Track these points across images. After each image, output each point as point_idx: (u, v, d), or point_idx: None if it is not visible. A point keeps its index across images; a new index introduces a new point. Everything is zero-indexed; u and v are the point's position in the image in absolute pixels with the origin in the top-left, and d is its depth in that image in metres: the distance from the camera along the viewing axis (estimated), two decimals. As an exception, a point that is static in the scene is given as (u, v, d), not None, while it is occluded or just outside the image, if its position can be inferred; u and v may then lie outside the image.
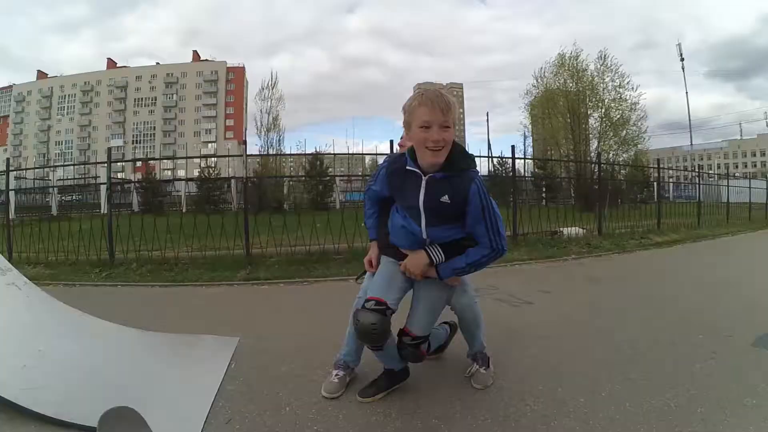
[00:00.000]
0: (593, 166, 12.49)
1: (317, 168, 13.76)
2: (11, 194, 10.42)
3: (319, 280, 4.35)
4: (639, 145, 17.84)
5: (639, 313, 2.96)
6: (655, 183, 9.94)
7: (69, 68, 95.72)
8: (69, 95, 66.56)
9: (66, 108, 66.18)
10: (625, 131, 17.33)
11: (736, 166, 62.22)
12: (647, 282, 4.24)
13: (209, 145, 61.58)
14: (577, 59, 18.04)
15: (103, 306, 3.26)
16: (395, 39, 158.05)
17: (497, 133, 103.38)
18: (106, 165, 5.59)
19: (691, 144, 44.68)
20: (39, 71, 68.96)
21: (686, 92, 51.22)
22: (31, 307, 2.34)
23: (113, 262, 5.07)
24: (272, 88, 18.85)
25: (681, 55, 46.27)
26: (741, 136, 65.11)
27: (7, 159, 5.96)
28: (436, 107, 1.38)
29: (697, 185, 10.85)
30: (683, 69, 45.35)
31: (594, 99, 17.87)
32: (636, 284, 4.10)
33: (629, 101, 17.37)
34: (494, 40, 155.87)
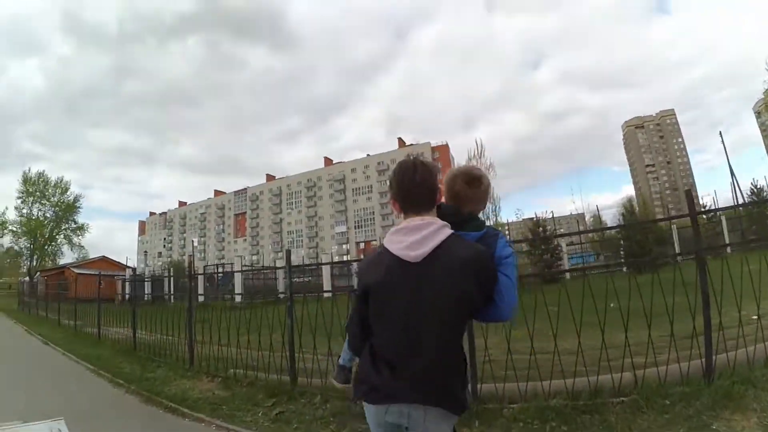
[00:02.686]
0: None
1: (540, 234, 11.12)
2: (237, 277, 11.23)
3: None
4: None
5: None
6: None
7: (292, 169, 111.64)
8: (295, 192, 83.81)
9: (294, 203, 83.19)
10: None
11: None
12: None
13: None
14: None
15: None
16: (588, 80, 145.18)
17: (721, 155, 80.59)
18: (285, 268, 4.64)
19: None
20: (267, 174, 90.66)
21: None
22: None
23: (294, 389, 3.78)
24: (480, 157, 17.76)
25: None
26: None
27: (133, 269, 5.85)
28: None
29: None
30: None
31: None
32: None
33: None
34: (689, 51, 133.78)
